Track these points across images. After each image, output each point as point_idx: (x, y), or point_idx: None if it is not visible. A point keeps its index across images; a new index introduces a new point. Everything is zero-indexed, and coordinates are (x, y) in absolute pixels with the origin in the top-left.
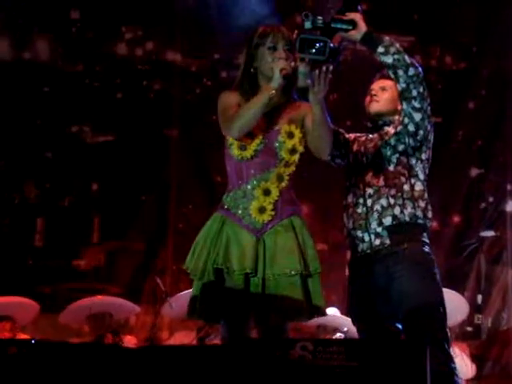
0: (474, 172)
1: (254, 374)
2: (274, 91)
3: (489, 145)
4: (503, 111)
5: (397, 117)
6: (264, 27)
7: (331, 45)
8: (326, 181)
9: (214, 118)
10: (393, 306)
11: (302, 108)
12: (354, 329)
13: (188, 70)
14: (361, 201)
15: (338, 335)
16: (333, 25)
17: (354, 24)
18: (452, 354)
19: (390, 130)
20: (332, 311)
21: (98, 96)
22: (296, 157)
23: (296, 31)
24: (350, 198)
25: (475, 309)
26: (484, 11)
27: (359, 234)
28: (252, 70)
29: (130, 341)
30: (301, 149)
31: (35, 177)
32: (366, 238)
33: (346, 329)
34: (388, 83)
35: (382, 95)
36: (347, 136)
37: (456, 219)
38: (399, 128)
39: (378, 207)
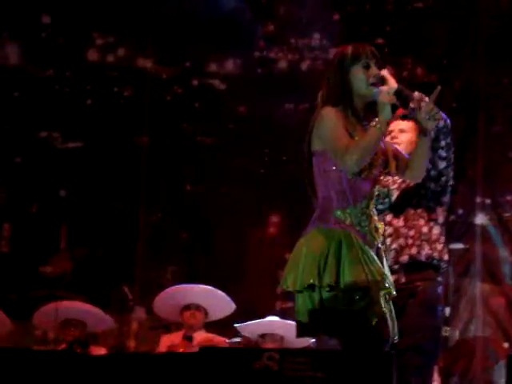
0: None
1: (221, 382)
2: (386, 124)
3: (458, 157)
4: (473, 124)
5: None
6: (354, 46)
7: None
8: (296, 189)
9: (184, 126)
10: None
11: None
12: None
13: (159, 77)
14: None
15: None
16: None
17: (383, 80)
18: None
19: None
20: (273, 319)
21: (68, 102)
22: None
23: None
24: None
25: (443, 321)
26: (455, 24)
27: None
28: (346, 90)
29: (99, 351)
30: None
31: (3, 182)
32: None
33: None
34: (406, 125)
35: (401, 137)
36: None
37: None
38: None
39: (395, 246)
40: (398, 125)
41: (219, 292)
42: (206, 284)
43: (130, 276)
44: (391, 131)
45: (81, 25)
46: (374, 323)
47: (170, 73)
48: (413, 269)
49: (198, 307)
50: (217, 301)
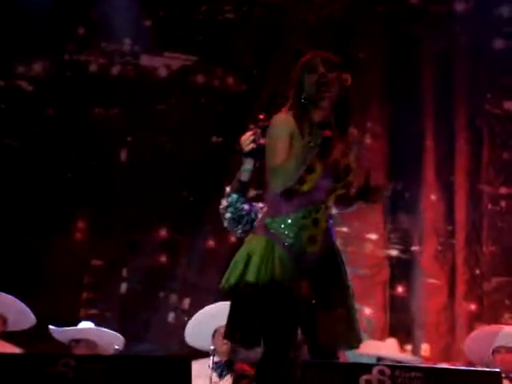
0: None
1: None
2: (312, 149)
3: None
4: None
5: None
6: (306, 56)
7: None
8: (104, 194)
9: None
10: None
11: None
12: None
13: None
14: None
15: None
16: None
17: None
18: None
19: None
20: (87, 324)
21: None
22: (346, 189)
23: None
24: None
25: None
26: (264, 35)
27: None
28: (302, 100)
29: None
30: (354, 181)
31: None
32: None
33: (117, 346)
34: None
35: None
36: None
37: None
38: None
39: None
40: None
41: (20, 303)
42: (9, 291)
43: None
44: None
45: None
46: (272, 328)
47: None
48: None
49: None
50: (17, 311)
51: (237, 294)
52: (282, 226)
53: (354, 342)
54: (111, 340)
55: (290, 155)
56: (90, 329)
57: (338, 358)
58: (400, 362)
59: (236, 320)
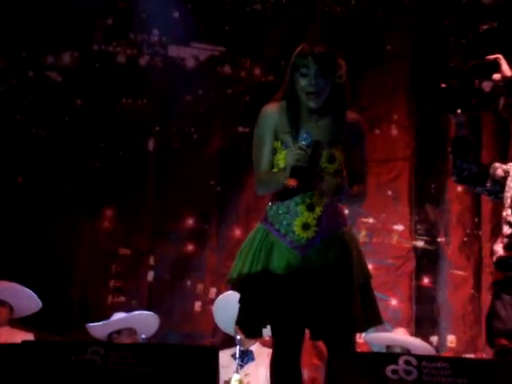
0: None
1: (45, 376)
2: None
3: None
4: None
5: None
6: (301, 47)
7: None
8: (131, 184)
9: (18, 117)
10: None
11: (351, 128)
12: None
13: None
14: None
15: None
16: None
17: (496, 66)
18: None
19: None
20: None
21: None
22: (339, 176)
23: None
24: (508, 229)
25: None
26: (292, 27)
27: None
28: (291, 93)
29: None
30: (343, 170)
31: None
32: None
33: (143, 336)
34: None
35: None
36: (505, 167)
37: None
38: None
39: None
40: None
41: (25, 289)
42: (36, 280)
43: None
44: None
45: None
46: (272, 319)
47: (5, 63)
48: None
49: (2, 303)
50: (22, 298)
51: (239, 287)
52: (277, 214)
53: (359, 327)
54: (150, 322)
55: (268, 176)
56: (130, 316)
57: (348, 344)
58: (410, 349)
59: (240, 311)
